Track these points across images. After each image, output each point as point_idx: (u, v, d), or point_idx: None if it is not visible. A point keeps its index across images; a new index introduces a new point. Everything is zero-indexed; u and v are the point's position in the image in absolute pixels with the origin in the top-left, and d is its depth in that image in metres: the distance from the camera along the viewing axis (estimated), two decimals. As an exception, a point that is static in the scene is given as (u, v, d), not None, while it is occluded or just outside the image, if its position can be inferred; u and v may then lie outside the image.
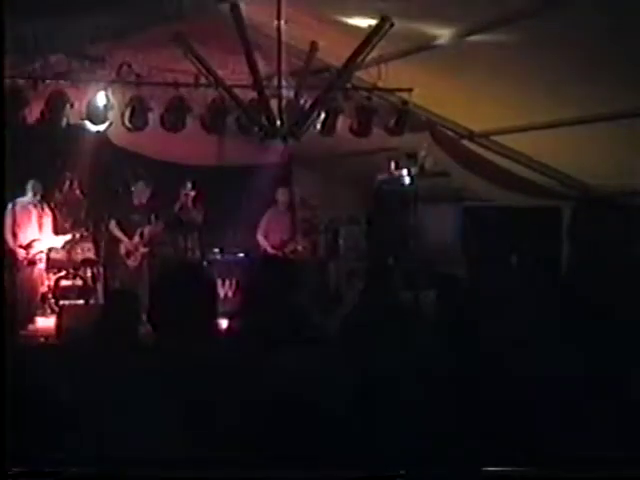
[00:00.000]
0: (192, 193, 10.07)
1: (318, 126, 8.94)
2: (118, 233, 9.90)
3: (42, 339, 7.79)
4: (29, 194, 9.69)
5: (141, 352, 3.32)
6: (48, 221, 9.94)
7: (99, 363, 2.95)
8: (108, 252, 10.15)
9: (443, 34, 7.32)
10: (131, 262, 9.77)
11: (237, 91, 8.49)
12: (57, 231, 10.04)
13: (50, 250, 9.94)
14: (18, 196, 9.53)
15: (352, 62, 7.92)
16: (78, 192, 10.82)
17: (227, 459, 2.56)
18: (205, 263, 10.13)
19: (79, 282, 10.07)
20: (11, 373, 2.40)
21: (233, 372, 2.75)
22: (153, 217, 9.86)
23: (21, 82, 8.12)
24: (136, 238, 9.83)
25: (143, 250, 9.81)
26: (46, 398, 2.76)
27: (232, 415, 2.66)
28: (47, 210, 9.96)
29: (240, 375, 2.75)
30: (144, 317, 3.58)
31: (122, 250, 9.84)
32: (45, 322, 9.20)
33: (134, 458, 2.53)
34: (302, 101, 8.48)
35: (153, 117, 8.74)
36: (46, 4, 6.50)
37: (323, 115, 8.91)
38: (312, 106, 8.50)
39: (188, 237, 10.23)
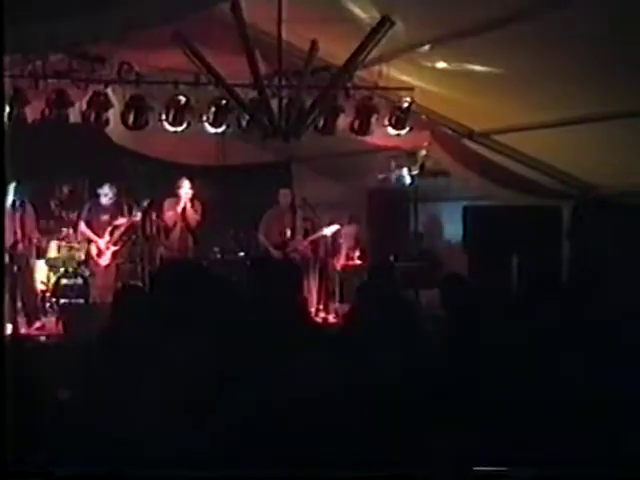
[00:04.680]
0: (190, 192, 10.02)
1: (319, 125, 8.92)
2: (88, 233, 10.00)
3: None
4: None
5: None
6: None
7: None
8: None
9: (443, 34, 7.31)
10: (102, 261, 9.88)
11: (238, 90, 8.47)
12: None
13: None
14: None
15: (353, 61, 7.90)
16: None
17: (226, 459, 2.56)
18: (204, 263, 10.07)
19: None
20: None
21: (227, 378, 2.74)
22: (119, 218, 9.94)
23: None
24: (106, 237, 9.90)
25: (114, 249, 9.92)
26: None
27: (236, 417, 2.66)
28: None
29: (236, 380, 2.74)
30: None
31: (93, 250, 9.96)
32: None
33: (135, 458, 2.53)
34: (302, 100, 8.46)
35: (153, 116, 8.70)
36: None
37: (324, 114, 8.88)
38: (313, 105, 8.49)
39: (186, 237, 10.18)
